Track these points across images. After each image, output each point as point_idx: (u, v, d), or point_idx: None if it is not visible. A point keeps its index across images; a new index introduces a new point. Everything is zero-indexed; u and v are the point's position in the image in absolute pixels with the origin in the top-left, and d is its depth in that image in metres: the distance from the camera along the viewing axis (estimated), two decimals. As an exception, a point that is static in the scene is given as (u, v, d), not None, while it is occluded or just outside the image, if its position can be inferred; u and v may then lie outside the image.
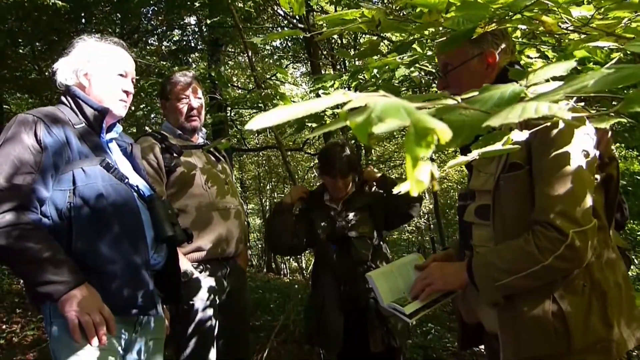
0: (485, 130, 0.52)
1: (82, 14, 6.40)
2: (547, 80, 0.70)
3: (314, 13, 6.61)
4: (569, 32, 1.14)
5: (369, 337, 2.31)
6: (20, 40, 5.94)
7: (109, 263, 1.50)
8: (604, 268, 1.35)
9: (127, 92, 1.71)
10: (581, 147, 1.30)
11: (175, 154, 2.31)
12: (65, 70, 1.67)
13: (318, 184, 2.69)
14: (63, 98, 1.67)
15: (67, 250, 1.46)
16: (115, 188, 1.57)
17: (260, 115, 0.46)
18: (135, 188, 1.66)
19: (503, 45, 1.46)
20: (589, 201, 1.28)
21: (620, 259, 1.45)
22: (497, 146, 0.74)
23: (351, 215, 2.49)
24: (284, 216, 2.50)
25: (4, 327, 4.48)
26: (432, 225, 16.49)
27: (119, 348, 1.53)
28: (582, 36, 1.16)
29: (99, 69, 1.67)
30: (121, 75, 1.70)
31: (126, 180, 1.63)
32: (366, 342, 2.32)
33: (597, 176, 1.37)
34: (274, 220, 2.54)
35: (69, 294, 1.39)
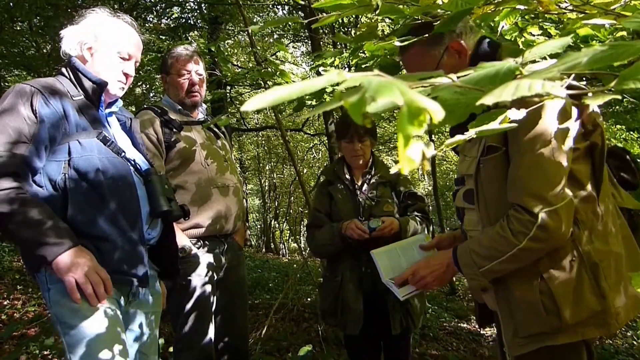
0: (479, 109, 0.52)
1: (80, -11, 6.30)
2: (545, 58, 0.70)
3: (315, -10, 6.50)
4: (567, 11, 1.12)
5: (390, 320, 2.29)
6: (17, 16, 5.85)
7: (104, 235, 1.51)
8: (594, 240, 1.33)
9: (127, 75, 1.70)
10: (555, 123, 1.26)
11: (175, 129, 2.30)
12: (70, 40, 1.65)
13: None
14: (63, 69, 1.66)
15: (62, 220, 1.47)
16: (111, 161, 1.57)
17: (257, 96, 0.46)
18: (132, 162, 1.66)
19: (459, 30, 1.44)
20: (561, 179, 1.26)
21: (624, 224, 1.43)
22: (494, 125, 0.73)
23: (373, 190, 2.42)
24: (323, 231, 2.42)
25: (5, 302, 4.53)
26: (430, 207, 16.55)
27: (117, 311, 1.55)
28: (581, 15, 1.15)
29: (103, 46, 1.65)
30: (125, 57, 1.69)
31: (123, 154, 1.63)
32: (383, 324, 2.31)
33: (580, 146, 1.33)
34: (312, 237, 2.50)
35: (65, 255, 1.40)
